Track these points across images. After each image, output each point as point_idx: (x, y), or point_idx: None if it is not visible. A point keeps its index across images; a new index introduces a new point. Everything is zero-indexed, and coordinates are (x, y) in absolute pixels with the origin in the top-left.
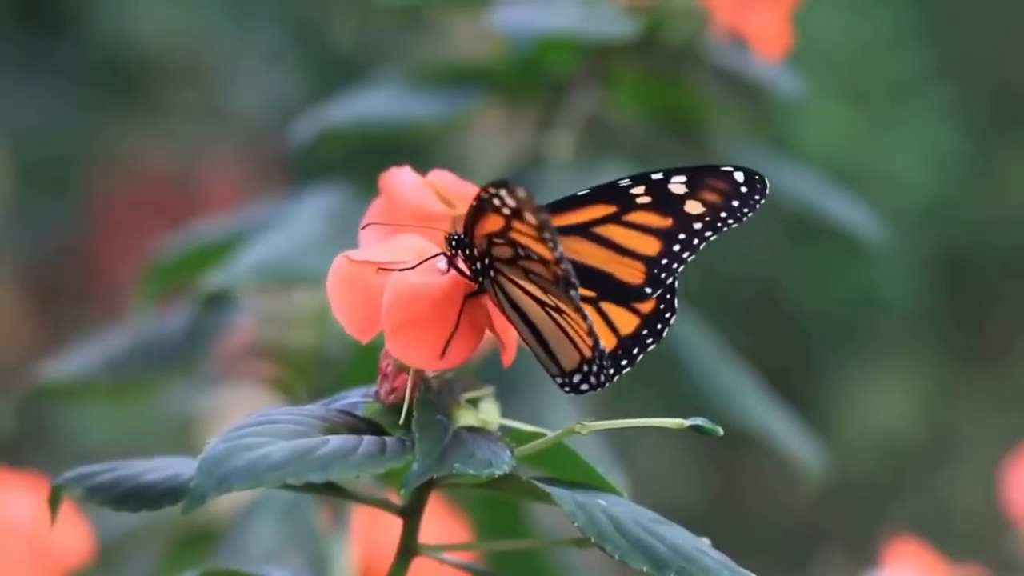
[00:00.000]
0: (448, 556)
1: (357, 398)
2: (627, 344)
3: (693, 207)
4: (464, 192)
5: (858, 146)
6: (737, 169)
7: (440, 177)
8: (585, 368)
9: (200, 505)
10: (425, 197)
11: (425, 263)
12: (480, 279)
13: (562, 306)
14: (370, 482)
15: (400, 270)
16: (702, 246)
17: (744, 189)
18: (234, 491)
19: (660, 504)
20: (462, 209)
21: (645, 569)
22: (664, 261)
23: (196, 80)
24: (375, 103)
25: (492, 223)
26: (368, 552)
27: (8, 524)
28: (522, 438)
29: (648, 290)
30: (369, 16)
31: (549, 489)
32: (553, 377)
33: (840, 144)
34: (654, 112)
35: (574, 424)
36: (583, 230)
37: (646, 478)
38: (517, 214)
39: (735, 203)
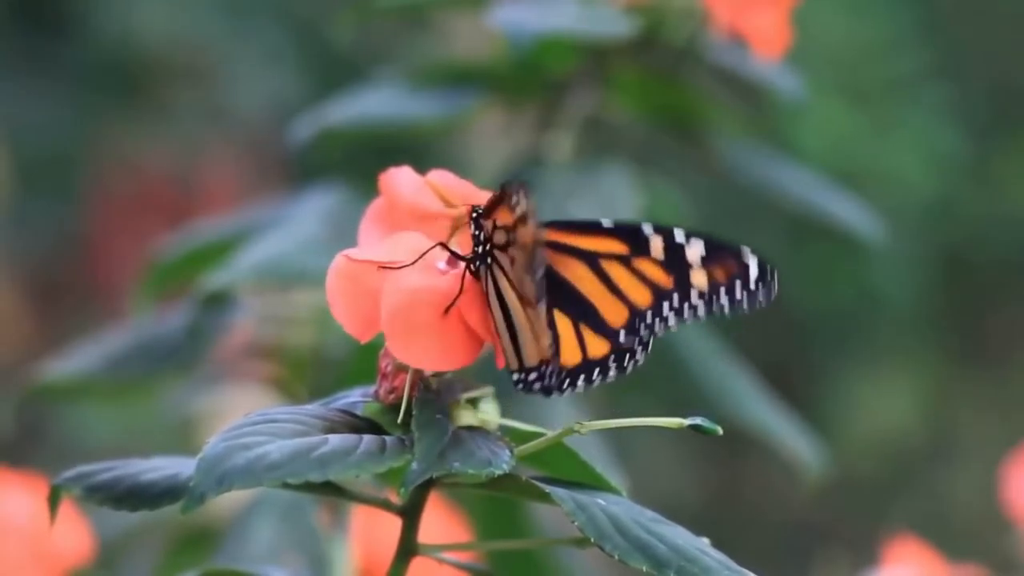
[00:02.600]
0: (448, 556)
1: (357, 397)
2: (590, 365)
3: (698, 278)
4: (464, 192)
5: (858, 146)
6: (754, 256)
7: (440, 177)
8: (541, 369)
9: (199, 505)
10: (425, 197)
11: (424, 263)
12: (476, 263)
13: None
14: (370, 482)
15: (400, 267)
16: (690, 320)
17: (753, 285)
18: (233, 491)
19: (660, 504)
20: (462, 209)
21: (645, 569)
22: (648, 318)
23: (196, 80)
24: (375, 103)
25: (504, 216)
26: (368, 552)
27: (8, 524)
28: (522, 438)
29: (622, 337)
30: (369, 16)
31: (548, 489)
32: (511, 372)
33: (840, 144)
34: (654, 112)
35: (573, 424)
36: (590, 258)
37: (646, 478)
38: (523, 219)
39: (737, 292)
